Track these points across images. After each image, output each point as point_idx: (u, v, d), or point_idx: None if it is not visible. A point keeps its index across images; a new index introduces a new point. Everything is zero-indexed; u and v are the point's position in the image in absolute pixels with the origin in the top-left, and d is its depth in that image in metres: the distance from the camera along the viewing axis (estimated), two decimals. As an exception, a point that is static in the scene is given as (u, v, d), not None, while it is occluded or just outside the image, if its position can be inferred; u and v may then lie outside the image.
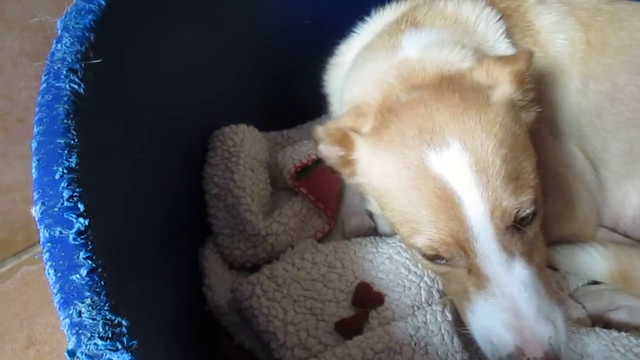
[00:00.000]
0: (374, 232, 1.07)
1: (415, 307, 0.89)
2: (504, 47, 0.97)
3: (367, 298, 0.89)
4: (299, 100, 1.27)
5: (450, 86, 0.80)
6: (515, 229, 0.74)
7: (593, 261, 1.00)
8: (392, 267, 0.94)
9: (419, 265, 0.94)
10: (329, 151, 0.89)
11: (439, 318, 0.85)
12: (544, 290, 0.75)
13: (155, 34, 0.91)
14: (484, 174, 0.72)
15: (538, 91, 0.87)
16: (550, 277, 1.00)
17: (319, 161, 1.11)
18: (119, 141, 0.76)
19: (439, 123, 0.75)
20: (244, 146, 1.05)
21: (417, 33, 0.94)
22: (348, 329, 0.85)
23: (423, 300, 0.90)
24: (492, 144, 0.73)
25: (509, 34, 1.00)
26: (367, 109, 0.86)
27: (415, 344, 0.82)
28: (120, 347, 0.47)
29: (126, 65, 0.80)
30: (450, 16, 0.99)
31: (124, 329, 0.48)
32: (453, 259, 0.75)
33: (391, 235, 1.04)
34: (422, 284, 0.92)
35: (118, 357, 0.46)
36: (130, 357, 0.46)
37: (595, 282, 1.03)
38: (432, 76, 0.85)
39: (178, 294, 0.93)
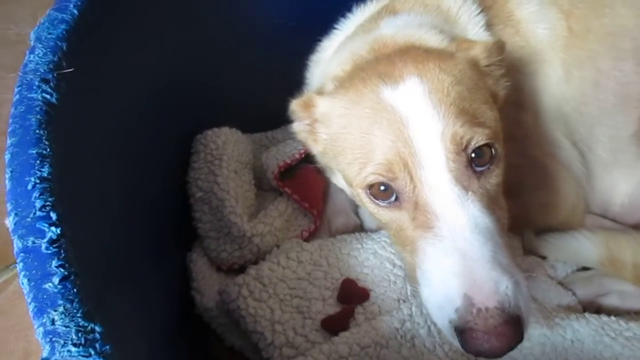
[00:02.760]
0: (360, 229, 1.07)
1: (401, 301, 0.89)
2: (483, 40, 0.97)
3: (353, 294, 0.90)
4: (284, 101, 1.27)
5: (419, 47, 0.84)
6: (471, 167, 0.70)
7: (582, 247, 1.00)
8: (377, 262, 0.94)
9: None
10: (299, 126, 0.90)
11: (424, 310, 0.85)
12: (503, 246, 0.67)
13: (130, 41, 0.91)
14: (436, 99, 0.71)
15: (509, 73, 0.87)
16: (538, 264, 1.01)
17: (303, 160, 1.12)
18: (96, 149, 0.76)
19: (399, 67, 0.76)
20: (227, 149, 1.05)
21: (395, 18, 0.97)
22: (334, 325, 0.85)
23: (409, 293, 0.90)
24: (449, 79, 0.73)
25: (490, 25, 1.00)
26: (336, 79, 0.88)
27: (401, 337, 0.82)
28: (93, 353, 0.47)
29: (101, 74, 0.80)
30: (432, 4, 0.99)
31: (97, 335, 0.49)
32: (397, 180, 0.70)
33: (377, 230, 1.04)
34: (407, 278, 0.92)
35: (91, 363, 0.46)
36: (103, 363, 0.47)
37: (585, 269, 1.03)
38: (402, 44, 0.87)
39: (167, 298, 0.93)
